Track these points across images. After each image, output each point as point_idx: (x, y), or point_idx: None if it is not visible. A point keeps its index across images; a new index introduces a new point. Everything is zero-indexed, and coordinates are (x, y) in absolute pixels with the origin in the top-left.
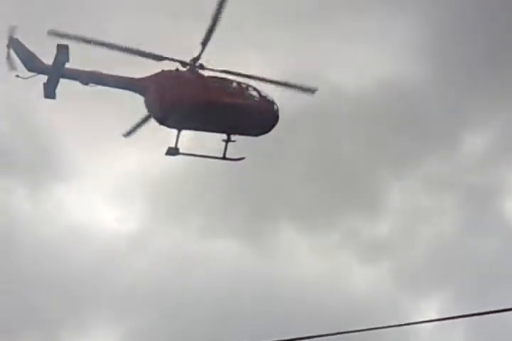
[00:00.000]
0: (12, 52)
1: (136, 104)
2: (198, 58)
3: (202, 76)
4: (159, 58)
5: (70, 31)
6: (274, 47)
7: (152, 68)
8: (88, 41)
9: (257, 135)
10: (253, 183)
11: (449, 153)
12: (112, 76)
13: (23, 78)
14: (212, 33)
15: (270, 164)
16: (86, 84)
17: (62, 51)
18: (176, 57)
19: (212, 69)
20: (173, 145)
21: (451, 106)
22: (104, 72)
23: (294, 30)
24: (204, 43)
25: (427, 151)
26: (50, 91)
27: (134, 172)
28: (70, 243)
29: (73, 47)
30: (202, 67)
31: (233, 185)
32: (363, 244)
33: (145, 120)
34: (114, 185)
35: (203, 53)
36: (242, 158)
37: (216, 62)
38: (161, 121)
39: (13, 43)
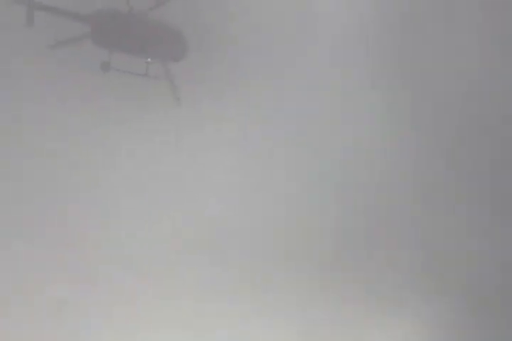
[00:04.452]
0: None
1: None
2: (130, 8)
3: (130, 13)
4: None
5: None
6: None
7: None
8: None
9: (170, 60)
10: None
11: None
12: (68, 11)
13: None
14: None
15: None
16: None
17: None
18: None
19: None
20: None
21: None
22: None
23: None
24: None
25: None
26: (29, 20)
27: None
28: None
29: None
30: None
31: None
32: None
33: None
34: None
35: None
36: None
37: None
38: (96, 42)
39: None
